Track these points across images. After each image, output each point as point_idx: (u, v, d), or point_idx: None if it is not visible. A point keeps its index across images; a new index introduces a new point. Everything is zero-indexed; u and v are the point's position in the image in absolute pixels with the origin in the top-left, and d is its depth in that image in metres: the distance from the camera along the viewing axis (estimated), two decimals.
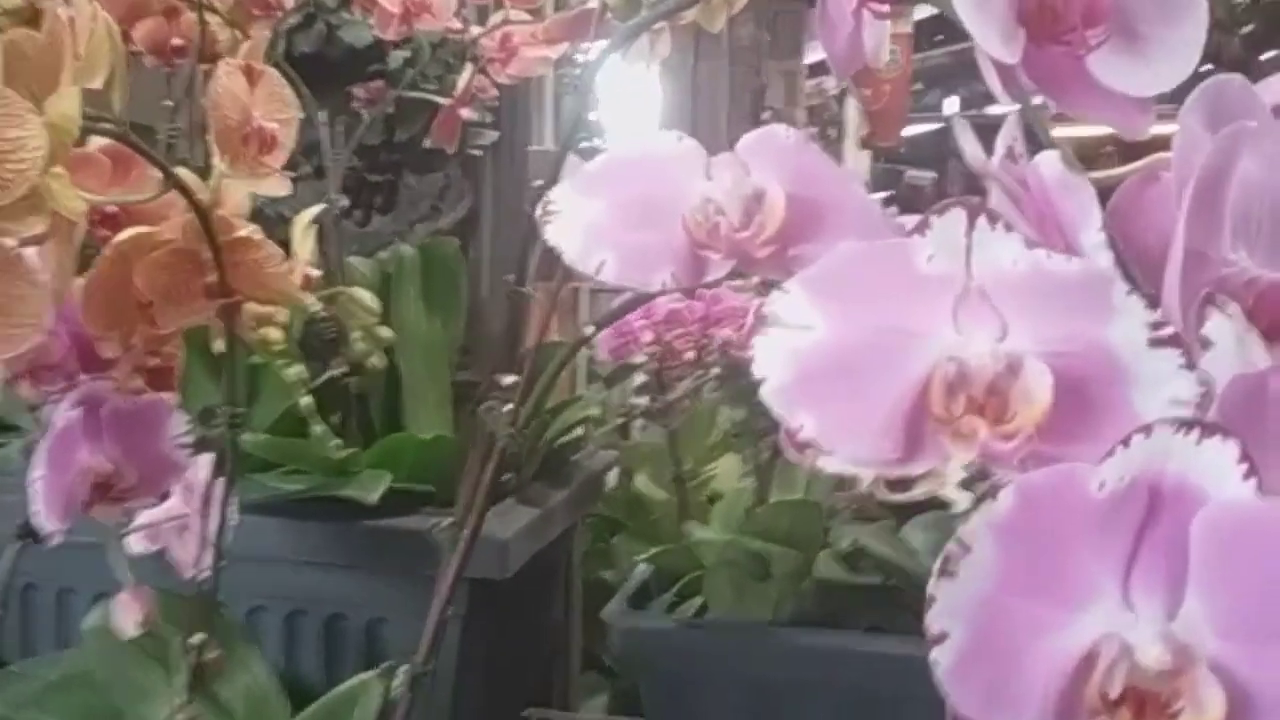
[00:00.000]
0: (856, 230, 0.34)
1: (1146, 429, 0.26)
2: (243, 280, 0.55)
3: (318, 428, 0.74)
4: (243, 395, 0.79)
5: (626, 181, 0.35)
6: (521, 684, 1.01)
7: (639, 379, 1.20)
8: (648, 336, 0.89)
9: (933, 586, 0.26)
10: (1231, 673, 0.25)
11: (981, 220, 0.31)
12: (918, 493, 0.96)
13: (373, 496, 0.70)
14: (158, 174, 0.53)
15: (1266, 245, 0.34)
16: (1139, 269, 0.35)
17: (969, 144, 0.36)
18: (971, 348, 0.29)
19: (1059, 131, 0.36)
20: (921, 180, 5.44)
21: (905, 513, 0.93)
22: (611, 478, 1.11)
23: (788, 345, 0.30)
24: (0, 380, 0.47)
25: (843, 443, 0.29)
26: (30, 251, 0.45)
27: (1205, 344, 0.30)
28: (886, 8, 0.45)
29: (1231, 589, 0.25)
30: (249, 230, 0.56)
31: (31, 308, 0.39)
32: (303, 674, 0.78)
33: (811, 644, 0.78)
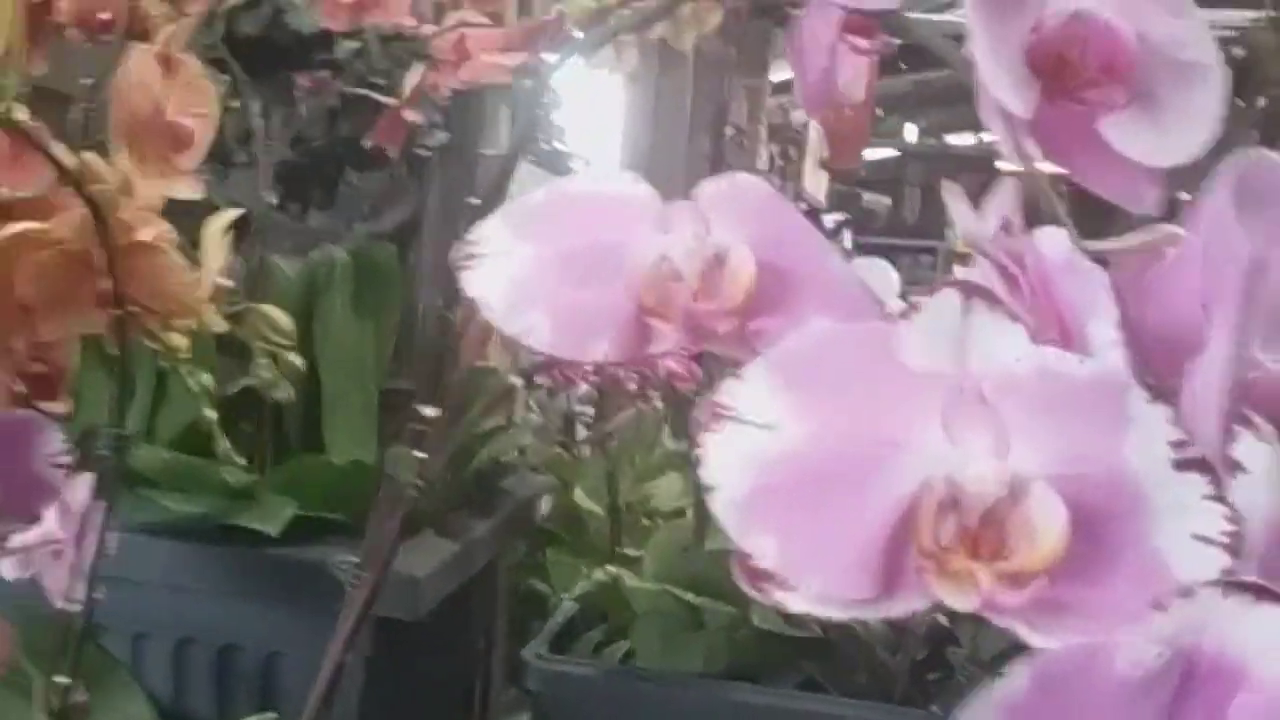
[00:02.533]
0: (832, 307, 0.29)
1: (1188, 592, 0.21)
2: (140, 290, 0.49)
3: (223, 444, 0.68)
4: (136, 398, 0.73)
5: (568, 227, 0.30)
6: (436, 715, 0.96)
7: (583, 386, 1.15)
8: (589, 366, 0.84)
9: None
10: None
11: (979, 305, 0.27)
12: None
13: (274, 528, 0.64)
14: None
15: None
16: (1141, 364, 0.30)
17: (961, 212, 0.31)
18: (969, 466, 0.24)
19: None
20: (878, 205, 5.44)
21: None
22: (545, 503, 1.06)
23: (746, 447, 0.25)
24: None
25: (809, 575, 0.24)
26: None
27: (1236, 468, 0.25)
28: (866, 44, 0.41)
29: None
30: (154, 234, 0.50)
31: None
32: (192, 708, 0.72)
33: (741, 700, 0.74)
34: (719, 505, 0.25)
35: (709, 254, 0.28)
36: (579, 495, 1.23)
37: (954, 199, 0.31)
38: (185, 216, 0.55)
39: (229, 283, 0.57)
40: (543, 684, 0.77)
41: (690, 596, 0.74)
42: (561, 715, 0.79)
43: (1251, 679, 0.21)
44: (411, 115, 0.82)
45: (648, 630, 0.77)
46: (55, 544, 0.53)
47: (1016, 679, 0.21)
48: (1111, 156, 0.33)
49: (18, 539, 0.53)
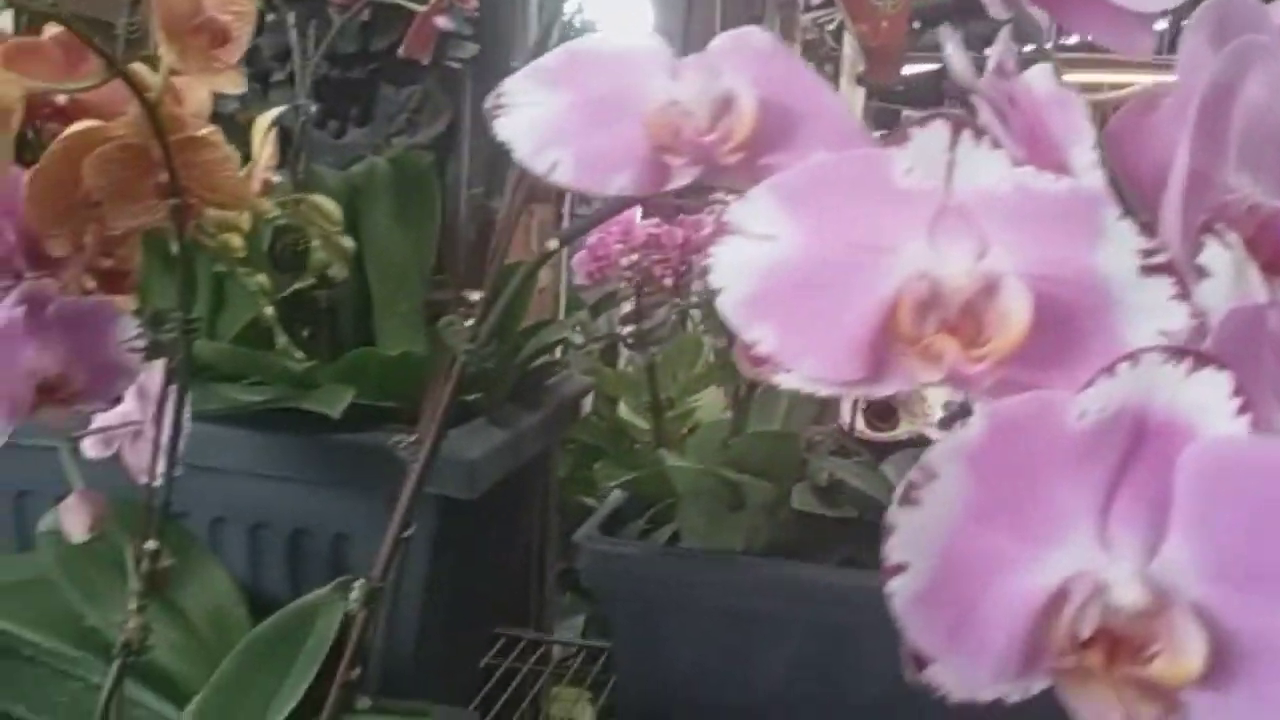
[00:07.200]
0: (832, 141, 0.31)
1: (1134, 357, 0.24)
2: (196, 182, 0.52)
3: (281, 339, 0.72)
4: (198, 301, 0.77)
5: (588, 77, 0.32)
6: (494, 604, 1.01)
7: (625, 308, 1.18)
8: (625, 261, 0.87)
9: (893, 514, 0.24)
10: (1214, 618, 0.24)
11: (965, 134, 0.29)
12: (900, 431, 0.94)
13: (335, 410, 0.68)
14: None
15: (1270, 172, 0.32)
16: (1135, 200, 0.33)
17: (956, 55, 0.33)
18: (947, 265, 0.27)
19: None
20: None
21: (883, 449, 0.92)
22: (588, 403, 1.10)
23: (749, 255, 0.28)
24: None
25: (804, 359, 0.27)
26: None
27: (1201, 274, 0.28)
28: None
29: (1218, 530, 0.24)
30: (204, 130, 0.53)
31: None
32: (268, 589, 0.77)
33: (783, 575, 0.77)
34: (724, 303, 0.28)
35: (717, 95, 0.31)
36: (623, 409, 1.27)
37: (949, 41, 0.33)
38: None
39: (277, 177, 0.60)
40: (593, 564, 0.81)
41: (731, 473, 0.77)
42: (611, 595, 0.83)
43: (1195, 435, 0.24)
44: (442, 22, 0.84)
45: (691, 510, 0.80)
46: (134, 425, 0.57)
47: (974, 427, 0.24)
48: (1101, 3, 0.35)
49: (99, 419, 0.57)
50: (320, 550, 0.76)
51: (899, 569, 0.24)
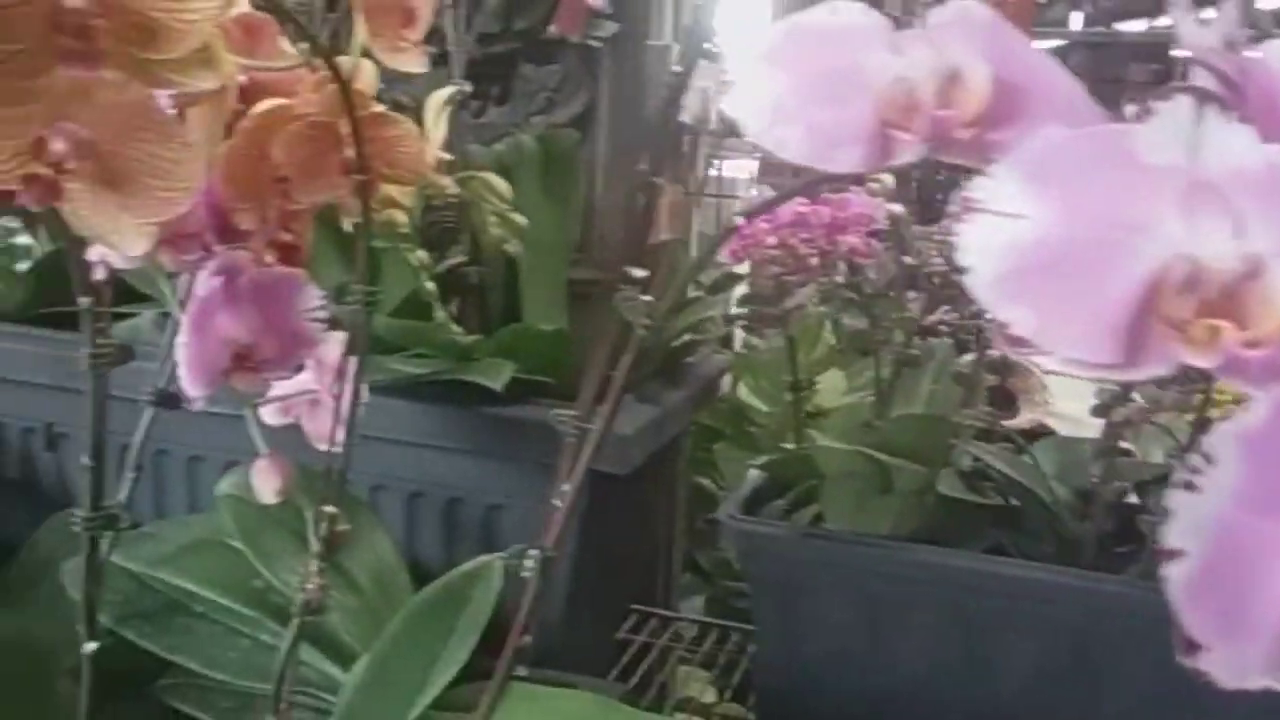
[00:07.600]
0: (1063, 116, 0.31)
1: None
2: (378, 159, 0.54)
3: (440, 313, 0.73)
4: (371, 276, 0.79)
5: (810, 54, 0.33)
6: (629, 581, 1.02)
7: (741, 290, 1.17)
8: (771, 240, 0.86)
9: (1171, 500, 0.23)
10: None
11: (1211, 110, 0.28)
12: (1023, 420, 0.91)
13: (498, 384, 0.69)
14: (287, 47, 0.52)
15: None
16: None
17: (1186, 22, 0.32)
18: (1207, 246, 0.26)
19: None
20: None
21: (1030, 433, 0.91)
22: (725, 383, 1.10)
23: (1000, 234, 0.28)
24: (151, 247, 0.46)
25: (1062, 342, 0.27)
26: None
27: None
28: None
29: None
30: (382, 108, 0.54)
31: (185, 172, 0.38)
32: (423, 554, 0.79)
33: (932, 561, 0.76)
34: (975, 283, 0.28)
35: (944, 70, 0.31)
36: (744, 391, 1.27)
37: (1178, 9, 0.32)
38: None
39: (448, 155, 0.61)
40: (738, 542, 0.81)
41: (882, 456, 0.76)
42: (754, 576, 0.83)
43: None
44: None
45: (837, 492, 0.80)
46: (312, 393, 0.59)
47: (1256, 411, 0.24)
48: None
49: (278, 388, 0.59)
50: (474, 519, 0.77)
51: (1177, 555, 0.24)
